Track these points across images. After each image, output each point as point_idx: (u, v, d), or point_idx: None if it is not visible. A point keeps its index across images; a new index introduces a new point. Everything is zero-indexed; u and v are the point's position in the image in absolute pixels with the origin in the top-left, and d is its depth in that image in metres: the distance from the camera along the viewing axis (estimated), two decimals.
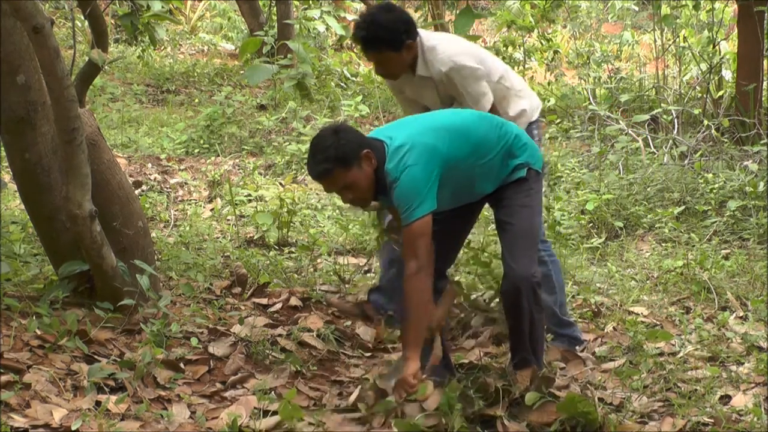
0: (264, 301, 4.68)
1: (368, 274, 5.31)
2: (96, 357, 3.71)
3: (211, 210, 6.64)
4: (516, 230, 3.75)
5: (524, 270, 3.70)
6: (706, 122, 8.24)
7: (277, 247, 5.83)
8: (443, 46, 4.26)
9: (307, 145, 8.42)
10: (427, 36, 4.29)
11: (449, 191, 3.66)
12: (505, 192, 3.80)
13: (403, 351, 3.65)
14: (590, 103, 9.50)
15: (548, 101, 10.16)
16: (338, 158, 3.52)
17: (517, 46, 11.26)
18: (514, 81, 4.44)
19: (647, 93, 9.94)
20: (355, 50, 13.70)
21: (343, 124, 3.73)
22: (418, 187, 3.54)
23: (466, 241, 4.25)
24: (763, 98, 8.55)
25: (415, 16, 12.83)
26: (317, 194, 7.08)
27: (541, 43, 11.70)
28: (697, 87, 9.52)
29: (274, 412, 3.52)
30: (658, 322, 4.81)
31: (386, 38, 4.15)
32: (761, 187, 6.49)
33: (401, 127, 3.75)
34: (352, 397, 3.72)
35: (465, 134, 3.71)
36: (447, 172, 3.61)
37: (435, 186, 3.57)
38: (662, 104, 9.00)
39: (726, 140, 7.94)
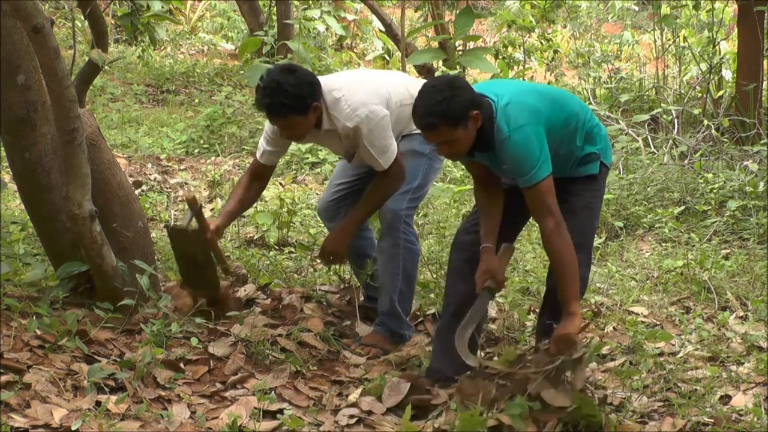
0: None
1: None
2: (96, 357, 3.71)
3: (211, 210, 6.63)
4: (572, 228, 3.70)
5: None
6: (706, 122, 8.24)
7: (277, 247, 5.82)
8: (346, 98, 4.11)
9: (307, 145, 8.40)
10: (329, 86, 4.13)
11: None
12: (573, 187, 3.80)
13: (564, 307, 3.58)
14: (590, 103, 9.50)
15: None
16: (447, 115, 3.45)
17: (517, 46, 11.25)
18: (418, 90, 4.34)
19: (647, 93, 9.93)
20: (355, 50, 13.71)
21: (459, 78, 3.64)
22: (534, 147, 3.50)
23: None
24: (763, 98, 8.55)
25: (415, 16, 12.84)
26: (317, 194, 7.08)
27: (541, 43, 11.69)
28: (697, 87, 9.52)
29: (274, 413, 3.52)
30: (658, 322, 4.81)
31: (292, 104, 3.98)
32: (761, 187, 6.49)
33: (503, 85, 3.70)
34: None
35: (561, 103, 3.72)
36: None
37: (546, 146, 3.54)
38: (662, 104, 9.00)
39: (726, 140, 7.94)
